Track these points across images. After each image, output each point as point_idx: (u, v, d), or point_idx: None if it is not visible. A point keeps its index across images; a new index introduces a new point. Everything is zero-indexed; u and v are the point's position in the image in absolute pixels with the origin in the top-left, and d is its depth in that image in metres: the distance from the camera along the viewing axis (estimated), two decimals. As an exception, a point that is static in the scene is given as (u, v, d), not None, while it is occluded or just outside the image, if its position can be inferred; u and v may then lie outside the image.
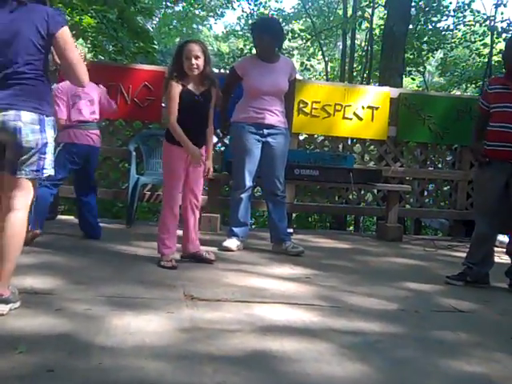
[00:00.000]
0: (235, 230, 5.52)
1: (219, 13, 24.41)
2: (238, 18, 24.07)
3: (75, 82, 3.38)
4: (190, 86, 4.58)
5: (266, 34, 5.38)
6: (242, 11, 22.60)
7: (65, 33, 3.20)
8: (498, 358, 3.06)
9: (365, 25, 17.14)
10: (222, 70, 16.30)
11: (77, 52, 3.35)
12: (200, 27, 28.39)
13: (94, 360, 2.58)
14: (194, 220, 4.84)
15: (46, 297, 3.49)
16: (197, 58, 4.47)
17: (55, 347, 2.70)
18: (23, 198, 3.24)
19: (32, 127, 3.15)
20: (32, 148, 3.16)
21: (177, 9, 24.12)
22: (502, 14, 18.30)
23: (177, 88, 4.52)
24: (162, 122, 7.07)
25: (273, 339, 3.06)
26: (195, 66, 4.48)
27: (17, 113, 3.11)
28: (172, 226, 4.69)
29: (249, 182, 5.45)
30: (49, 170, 3.30)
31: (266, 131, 5.39)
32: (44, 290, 3.63)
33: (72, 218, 6.51)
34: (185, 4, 23.01)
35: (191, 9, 23.25)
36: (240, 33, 23.60)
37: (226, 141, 7.23)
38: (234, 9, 22.92)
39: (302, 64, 18.13)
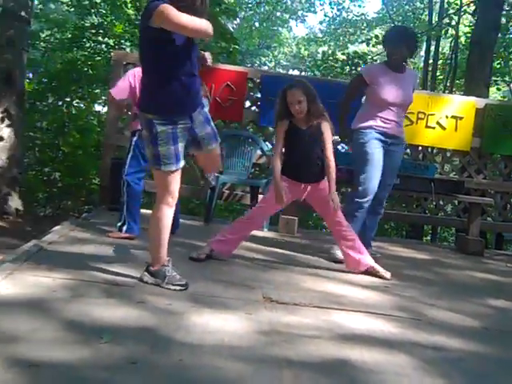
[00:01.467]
0: None
1: (301, 15, 24.39)
2: (320, 22, 24.04)
3: None
4: (297, 122, 4.68)
5: (404, 44, 5.30)
6: (325, 15, 22.51)
7: None
8: None
9: (450, 32, 16.74)
10: (303, 73, 16.30)
11: None
12: (280, 29, 28.44)
13: (175, 356, 2.59)
14: (351, 241, 4.82)
15: (128, 289, 3.55)
16: (299, 102, 4.54)
17: (137, 340, 2.73)
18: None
19: None
20: None
21: (259, 10, 24.25)
22: None
23: (283, 126, 4.68)
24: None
25: (352, 348, 3.01)
26: (299, 111, 4.56)
27: None
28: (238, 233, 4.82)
29: (376, 189, 5.27)
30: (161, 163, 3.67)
31: (389, 141, 5.30)
32: (126, 282, 3.69)
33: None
34: (267, 7, 23.07)
35: (273, 11, 23.29)
36: (322, 38, 23.55)
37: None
38: (316, 12, 22.87)
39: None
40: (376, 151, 5.23)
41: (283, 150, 4.74)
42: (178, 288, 3.66)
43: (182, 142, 3.69)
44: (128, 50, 11.43)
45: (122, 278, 3.75)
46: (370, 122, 5.26)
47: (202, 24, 3.40)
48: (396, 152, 5.38)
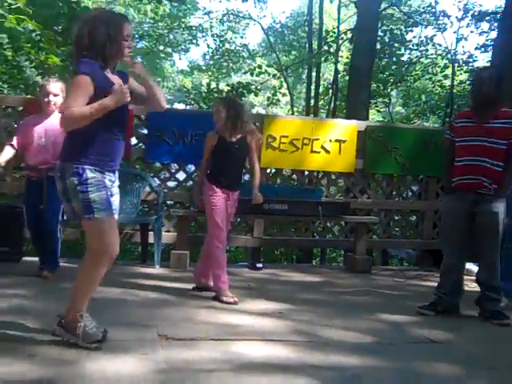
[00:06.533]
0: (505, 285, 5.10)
1: (184, 48, 24.52)
2: (204, 54, 24.23)
3: None
4: (226, 135, 5.11)
5: None
6: (208, 47, 22.76)
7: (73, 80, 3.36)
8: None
9: (330, 59, 17.37)
10: (188, 106, 16.34)
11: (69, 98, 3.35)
12: (162, 63, 28.52)
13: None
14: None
15: (19, 343, 3.42)
16: (218, 112, 5.12)
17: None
18: (89, 241, 3.44)
19: (57, 175, 3.38)
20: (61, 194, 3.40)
21: (140, 45, 24.18)
22: (463, 47, 18.97)
23: (213, 138, 5.15)
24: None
25: (251, 377, 3.07)
26: (216, 120, 5.14)
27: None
28: (224, 260, 5.00)
29: None
30: (98, 212, 3.33)
31: None
32: (16, 336, 3.55)
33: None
34: (148, 42, 23.04)
35: (156, 44, 23.28)
36: (206, 70, 23.82)
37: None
38: (198, 45, 23.08)
39: (268, 99, 18.23)
40: None
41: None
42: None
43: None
44: (5, 92, 11.08)
45: (12, 332, 3.60)
46: None
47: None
48: None
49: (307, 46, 18.74)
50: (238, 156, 5.18)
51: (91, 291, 3.48)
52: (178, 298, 4.89)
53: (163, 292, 5.12)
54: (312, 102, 18.03)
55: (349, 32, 16.29)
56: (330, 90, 18.11)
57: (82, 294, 3.44)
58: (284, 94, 19.20)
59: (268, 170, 7.73)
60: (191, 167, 7.62)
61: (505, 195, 4.72)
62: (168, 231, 7.01)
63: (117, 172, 3.54)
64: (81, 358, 3.18)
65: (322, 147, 7.54)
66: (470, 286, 5.28)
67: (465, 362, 3.59)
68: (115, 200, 3.52)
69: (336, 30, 17.39)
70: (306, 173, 7.94)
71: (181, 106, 18.07)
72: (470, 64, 16.00)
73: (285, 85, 19.66)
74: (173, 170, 7.45)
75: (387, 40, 16.11)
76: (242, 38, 23.76)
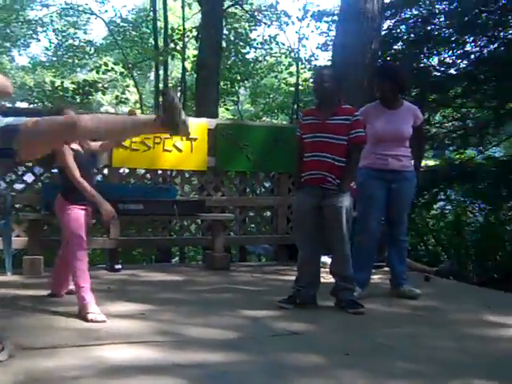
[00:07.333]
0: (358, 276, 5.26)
1: (24, 43, 23.41)
2: (46, 49, 23.24)
3: None
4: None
5: (387, 80, 5.38)
6: (50, 42, 21.91)
7: None
8: (337, 375, 3.27)
9: (177, 56, 17.36)
10: (32, 105, 15.67)
11: None
12: (1, 59, 27.11)
13: None
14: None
15: None
16: None
17: None
18: None
19: None
20: None
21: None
22: (304, 46, 19.86)
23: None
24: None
25: (116, 381, 3.00)
26: None
27: None
28: (87, 273, 4.55)
29: (374, 227, 5.40)
30: None
31: (390, 176, 5.36)
32: None
33: None
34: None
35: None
36: (49, 66, 22.85)
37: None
38: (39, 40, 22.16)
39: (116, 97, 17.85)
40: (372, 190, 5.37)
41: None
42: None
43: None
44: None
45: None
46: (368, 161, 5.34)
47: None
48: (400, 187, 5.43)
49: (153, 43, 18.55)
50: (89, 167, 4.85)
51: None
52: (35, 306, 4.68)
53: (17, 300, 4.89)
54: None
55: (194, 30, 16.37)
56: (179, 88, 18.10)
57: None
58: (130, 93, 18.92)
59: (121, 170, 7.58)
60: (39, 169, 7.29)
61: (347, 190, 4.94)
62: (18, 236, 6.67)
63: None
64: None
65: (174, 146, 7.53)
66: (326, 277, 5.49)
67: (324, 351, 3.73)
68: None
69: (181, 28, 17.42)
70: (160, 172, 7.87)
71: (24, 105, 17.32)
72: (313, 63, 16.70)
73: (132, 83, 19.40)
74: (20, 172, 7.10)
75: (232, 38, 16.42)
76: (85, 33, 23.07)
